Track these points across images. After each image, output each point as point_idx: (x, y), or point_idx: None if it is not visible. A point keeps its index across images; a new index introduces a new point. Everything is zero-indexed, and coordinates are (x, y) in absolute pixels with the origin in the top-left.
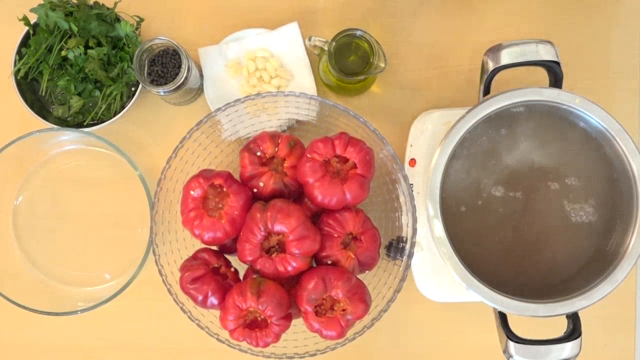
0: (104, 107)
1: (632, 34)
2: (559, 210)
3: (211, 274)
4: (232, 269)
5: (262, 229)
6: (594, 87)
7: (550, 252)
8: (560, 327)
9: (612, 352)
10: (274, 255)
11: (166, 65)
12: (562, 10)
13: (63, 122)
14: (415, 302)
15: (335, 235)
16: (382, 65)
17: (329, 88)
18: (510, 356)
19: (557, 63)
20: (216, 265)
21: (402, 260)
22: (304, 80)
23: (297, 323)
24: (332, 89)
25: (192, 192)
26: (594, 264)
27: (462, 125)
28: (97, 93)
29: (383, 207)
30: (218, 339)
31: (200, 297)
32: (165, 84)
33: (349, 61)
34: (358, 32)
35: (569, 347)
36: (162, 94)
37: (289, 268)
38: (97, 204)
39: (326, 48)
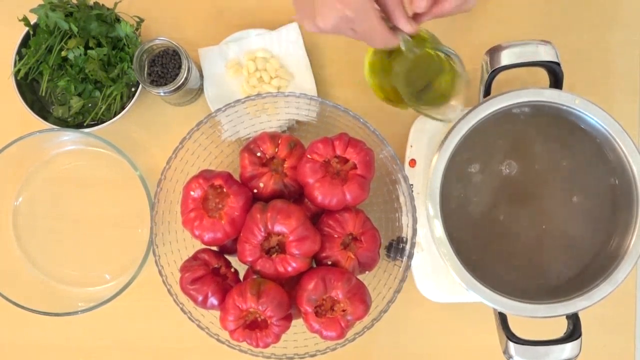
0: (104, 107)
1: (632, 34)
2: (559, 210)
3: (211, 275)
4: (232, 270)
5: (262, 229)
6: (594, 87)
7: (550, 252)
8: (560, 327)
9: (612, 352)
10: (274, 256)
11: (166, 66)
12: (562, 10)
13: (63, 123)
14: (416, 303)
15: (335, 235)
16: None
17: (382, 93)
18: (510, 357)
19: (557, 64)
20: (216, 265)
21: (402, 261)
22: (304, 81)
23: (297, 323)
24: (386, 94)
25: (192, 193)
26: (594, 264)
27: (462, 125)
28: (97, 93)
29: (383, 207)
30: (218, 340)
31: (200, 298)
32: (165, 84)
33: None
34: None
35: (569, 348)
36: (162, 94)
37: (289, 269)
38: (97, 204)
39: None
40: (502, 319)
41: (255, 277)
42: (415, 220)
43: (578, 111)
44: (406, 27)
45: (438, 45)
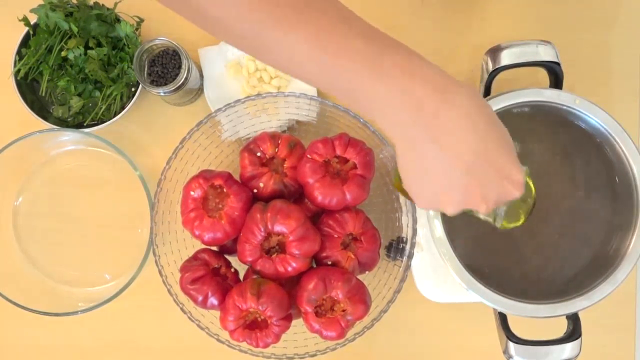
0: (104, 107)
1: (633, 34)
2: (559, 210)
3: (211, 275)
4: (232, 270)
5: (262, 229)
6: (594, 87)
7: (550, 252)
8: (560, 327)
9: (612, 352)
10: (274, 256)
11: (166, 66)
12: (562, 10)
13: (63, 123)
14: (415, 303)
15: (335, 235)
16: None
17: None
18: (510, 357)
19: (557, 63)
20: (216, 265)
21: (402, 261)
22: None
23: (297, 324)
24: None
25: (192, 193)
26: (594, 264)
27: None
28: (97, 93)
29: (383, 207)
30: (218, 340)
31: (200, 298)
32: (165, 84)
33: None
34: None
35: (569, 348)
36: (162, 94)
37: (289, 269)
38: (97, 204)
39: None
40: (502, 319)
41: (255, 277)
42: (415, 220)
43: (578, 111)
44: None
45: None
